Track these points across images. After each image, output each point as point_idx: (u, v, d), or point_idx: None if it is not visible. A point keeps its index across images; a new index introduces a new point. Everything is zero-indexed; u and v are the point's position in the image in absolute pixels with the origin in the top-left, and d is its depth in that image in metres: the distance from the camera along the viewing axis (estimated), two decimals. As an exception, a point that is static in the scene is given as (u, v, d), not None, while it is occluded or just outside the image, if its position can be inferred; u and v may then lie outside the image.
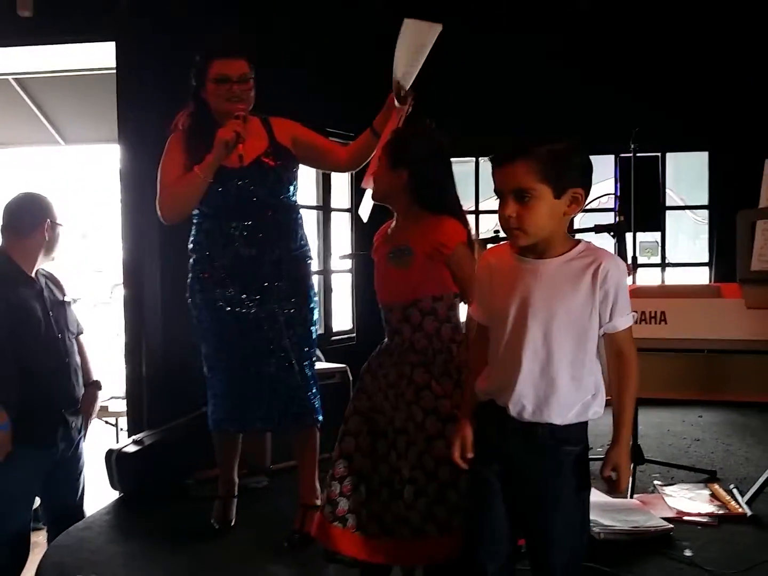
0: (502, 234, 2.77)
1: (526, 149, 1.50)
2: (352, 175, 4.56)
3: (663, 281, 5.11)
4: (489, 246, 2.32)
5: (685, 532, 2.54)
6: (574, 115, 4.78)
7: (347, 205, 4.91)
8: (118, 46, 3.50)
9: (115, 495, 3.08)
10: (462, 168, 5.90)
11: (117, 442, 4.48)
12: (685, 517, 2.67)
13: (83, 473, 2.84)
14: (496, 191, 1.55)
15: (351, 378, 3.47)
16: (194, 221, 2.51)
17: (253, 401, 2.49)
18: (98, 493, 3.18)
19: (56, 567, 2.38)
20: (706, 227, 5.25)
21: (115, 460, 2.99)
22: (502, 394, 1.58)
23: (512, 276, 1.58)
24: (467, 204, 5.77)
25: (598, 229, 2.54)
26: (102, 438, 4.73)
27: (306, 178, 3.99)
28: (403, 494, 1.83)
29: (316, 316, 2.59)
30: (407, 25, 2.21)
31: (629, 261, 2.87)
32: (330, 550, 1.97)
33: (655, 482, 3.08)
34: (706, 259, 5.15)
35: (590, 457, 1.67)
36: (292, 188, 2.54)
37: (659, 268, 5.10)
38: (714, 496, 2.88)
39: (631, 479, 2.93)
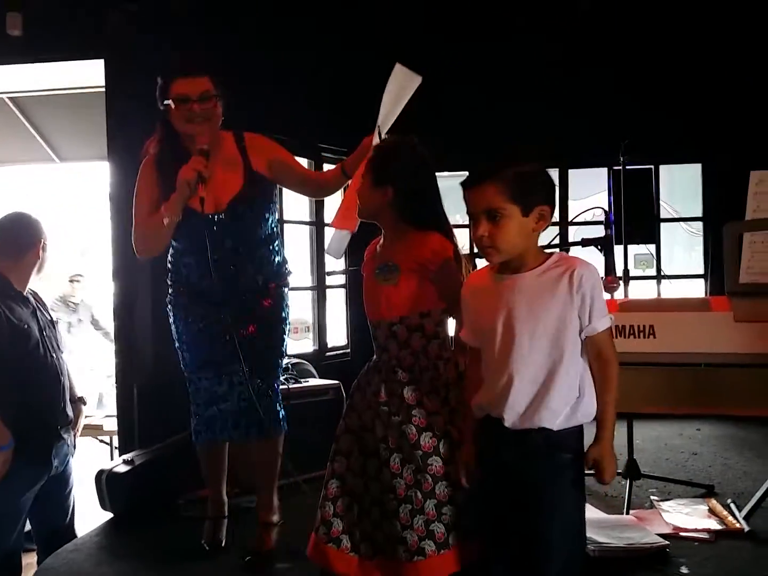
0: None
1: (494, 171, 1.62)
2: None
3: (659, 293, 5.09)
4: (477, 260, 2.33)
5: (682, 549, 2.50)
6: (565, 129, 4.79)
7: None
8: (107, 63, 3.51)
9: (106, 516, 3.05)
10: (452, 182, 5.90)
11: (111, 460, 4.44)
12: (682, 533, 2.64)
13: (72, 492, 2.82)
14: (469, 213, 1.66)
15: (344, 394, 3.44)
16: (171, 246, 2.49)
17: (226, 412, 2.51)
18: (89, 514, 3.15)
19: (44, 590, 2.36)
20: (701, 239, 5.24)
21: (105, 480, 2.96)
22: (496, 406, 1.66)
23: (494, 293, 1.69)
24: (463, 217, 5.76)
25: (584, 242, 2.54)
26: (96, 457, 4.71)
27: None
28: (399, 514, 1.81)
29: (287, 328, 2.59)
30: (397, 71, 2.23)
31: (619, 274, 2.87)
32: (326, 571, 1.96)
33: (652, 497, 3.05)
34: (701, 271, 5.14)
35: (589, 473, 1.70)
36: (270, 220, 2.50)
37: (654, 281, 5.09)
38: (711, 511, 2.84)
39: (627, 494, 2.91)
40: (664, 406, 2.84)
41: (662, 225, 5.18)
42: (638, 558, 2.40)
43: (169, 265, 2.53)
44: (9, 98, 5.41)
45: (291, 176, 2.53)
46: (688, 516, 2.80)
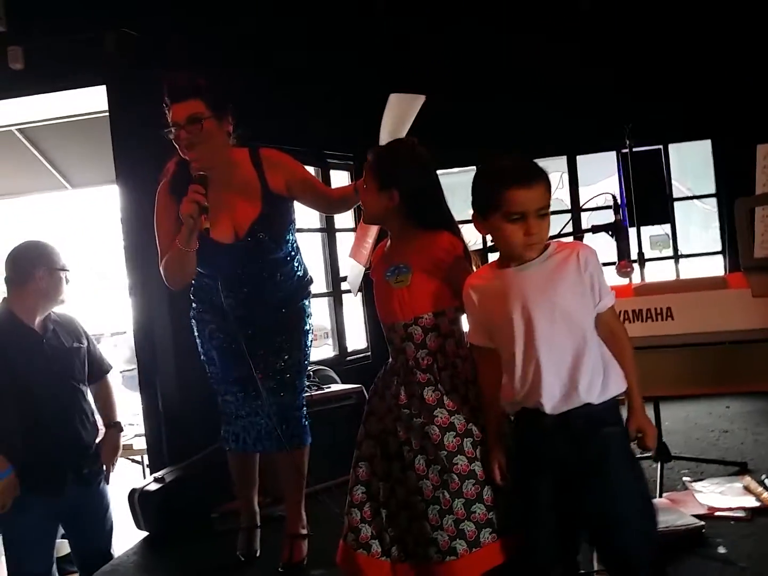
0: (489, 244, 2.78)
1: (542, 170, 1.67)
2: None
3: (677, 274, 5.04)
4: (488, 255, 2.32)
5: (718, 529, 2.48)
6: (572, 114, 4.77)
7: (352, 225, 4.91)
8: (108, 88, 3.55)
9: (141, 535, 3.08)
10: (462, 178, 5.89)
11: (144, 479, 4.48)
12: (717, 513, 2.62)
13: (108, 514, 2.83)
14: (513, 213, 1.63)
15: (367, 398, 3.45)
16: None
17: (253, 423, 2.54)
18: (126, 534, 3.18)
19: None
20: (717, 215, 5.18)
21: (138, 499, 2.99)
22: (532, 396, 1.67)
23: (503, 288, 1.70)
24: (469, 213, 5.74)
25: (595, 229, 2.52)
26: (129, 477, 4.74)
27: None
28: (428, 515, 1.80)
29: (310, 339, 2.60)
30: (393, 99, 2.23)
31: (633, 257, 2.85)
32: None
33: (684, 479, 3.02)
34: (719, 248, 5.08)
35: None
36: (290, 240, 2.49)
37: (672, 261, 5.04)
38: (746, 488, 2.81)
39: (659, 477, 2.89)
40: (690, 387, 2.82)
41: (676, 204, 5.12)
42: (675, 541, 2.37)
43: (191, 282, 2.52)
44: (17, 129, 5.48)
45: (308, 194, 2.48)
46: (723, 495, 2.77)
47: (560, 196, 5.69)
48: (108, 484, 2.80)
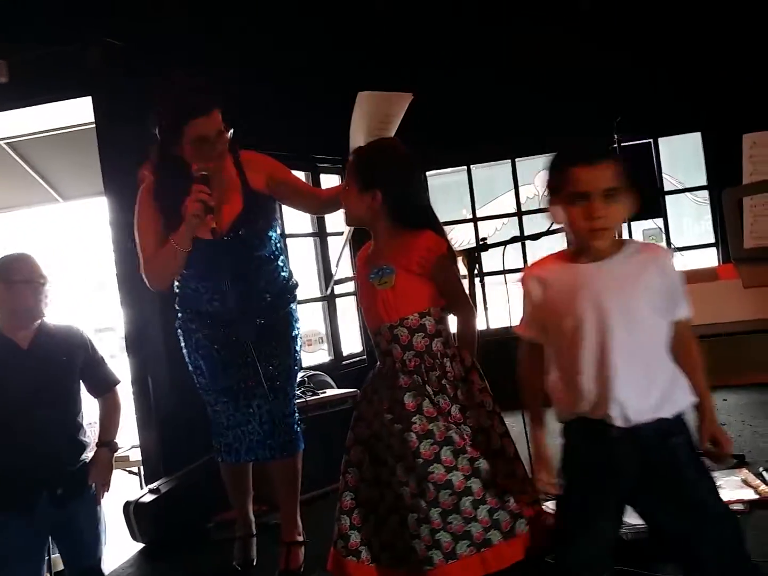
0: (490, 241, 2.76)
1: (611, 151, 1.60)
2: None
3: (671, 266, 5.03)
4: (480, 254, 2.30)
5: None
6: (560, 111, 4.76)
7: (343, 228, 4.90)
8: (95, 100, 3.54)
9: (138, 547, 3.06)
10: (455, 178, 5.89)
11: (141, 490, 4.46)
12: (715, 507, 2.60)
13: (101, 531, 2.75)
14: (577, 194, 1.55)
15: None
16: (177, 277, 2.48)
17: (244, 433, 2.51)
18: (122, 546, 3.16)
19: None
20: (708, 207, 5.17)
21: (132, 511, 2.98)
22: (600, 407, 1.57)
23: (574, 285, 1.59)
24: (464, 213, 5.75)
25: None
26: (126, 488, 4.72)
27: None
28: (408, 522, 1.79)
29: (299, 344, 2.58)
30: (363, 98, 2.20)
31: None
32: None
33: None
34: (712, 240, 5.07)
35: None
36: (273, 237, 2.48)
37: (666, 254, 5.03)
38: (744, 481, 2.79)
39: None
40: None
41: (668, 198, 5.12)
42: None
43: (176, 290, 2.52)
44: (6, 143, 5.47)
45: (290, 192, 2.48)
46: (721, 488, 2.74)
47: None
48: (99, 504, 2.65)
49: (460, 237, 5.71)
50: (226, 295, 2.38)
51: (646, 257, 1.58)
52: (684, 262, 5.24)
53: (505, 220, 6.06)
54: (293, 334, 2.54)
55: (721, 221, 4.81)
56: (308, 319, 5.11)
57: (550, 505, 2.87)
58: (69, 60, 3.53)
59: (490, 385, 1.94)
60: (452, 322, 1.94)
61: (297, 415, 2.59)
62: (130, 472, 4.81)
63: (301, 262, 4.70)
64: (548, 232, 2.73)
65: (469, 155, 5.28)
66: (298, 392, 3.50)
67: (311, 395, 3.52)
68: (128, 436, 4.42)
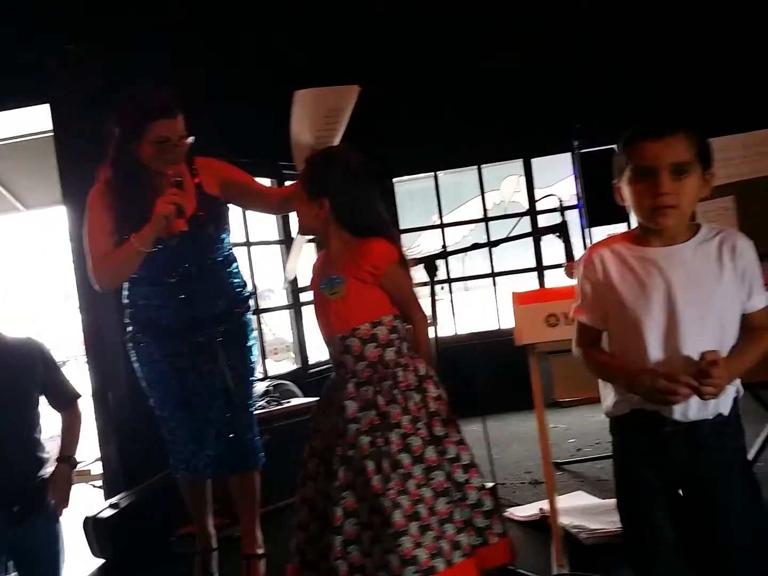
0: (452, 248, 2.77)
1: (683, 123, 1.47)
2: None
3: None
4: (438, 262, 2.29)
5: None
6: (526, 117, 4.80)
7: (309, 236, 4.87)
8: (53, 107, 3.49)
9: (99, 562, 3.00)
10: (422, 184, 5.91)
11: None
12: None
13: (57, 551, 2.67)
14: (642, 168, 1.46)
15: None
16: (128, 280, 2.44)
17: (201, 447, 2.46)
18: (83, 562, 3.09)
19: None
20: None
21: (92, 527, 2.92)
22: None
23: (643, 268, 1.50)
24: (434, 219, 5.76)
25: (541, 231, 2.52)
26: (90, 503, 4.63)
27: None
28: (362, 538, 1.74)
29: (255, 354, 2.55)
30: (303, 96, 2.18)
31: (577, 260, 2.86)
32: None
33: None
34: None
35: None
36: (225, 240, 2.47)
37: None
38: None
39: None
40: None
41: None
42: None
43: (126, 300, 2.47)
44: (-35, 153, 5.38)
45: (246, 192, 2.49)
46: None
47: (519, 198, 5.72)
48: (57, 521, 2.53)
49: (429, 243, 5.72)
50: (177, 301, 2.35)
51: (720, 241, 1.49)
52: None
53: (473, 226, 6.08)
54: (248, 344, 2.51)
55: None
56: (275, 328, 5.07)
57: (515, 512, 2.89)
58: (27, 67, 3.47)
59: (456, 391, 1.93)
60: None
61: (257, 427, 2.55)
62: (94, 486, 4.73)
63: (267, 270, 4.67)
64: (509, 239, 2.75)
65: (436, 161, 5.30)
66: (262, 402, 3.48)
67: (276, 405, 3.49)
68: (91, 450, 4.36)
